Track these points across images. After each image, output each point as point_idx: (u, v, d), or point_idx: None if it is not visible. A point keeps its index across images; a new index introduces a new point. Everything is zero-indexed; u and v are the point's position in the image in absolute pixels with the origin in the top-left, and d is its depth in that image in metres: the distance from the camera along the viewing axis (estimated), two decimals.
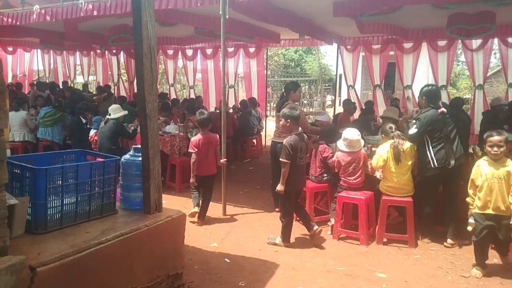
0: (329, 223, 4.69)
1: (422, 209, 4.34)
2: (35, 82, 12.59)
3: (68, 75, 13.61)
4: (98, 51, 12.40)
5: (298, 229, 4.73)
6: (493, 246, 3.82)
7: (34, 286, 2.03)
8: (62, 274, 2.19)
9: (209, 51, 11.29)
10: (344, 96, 12.03)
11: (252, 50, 10.87)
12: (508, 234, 3.54)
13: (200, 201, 4.93)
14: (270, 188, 5.56)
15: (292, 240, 4.34)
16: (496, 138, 3.46)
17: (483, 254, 3.63)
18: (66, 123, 7.44)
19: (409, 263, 3.91)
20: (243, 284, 3.42)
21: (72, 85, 12.90)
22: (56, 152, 3.32)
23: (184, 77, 13.64)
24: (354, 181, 4.49)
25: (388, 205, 4.35)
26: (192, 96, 11.47)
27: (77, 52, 13.00)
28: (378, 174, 4.52)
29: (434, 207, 4.34)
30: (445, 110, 4.24)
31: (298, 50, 27.45)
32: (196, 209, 4.88)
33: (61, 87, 11.47)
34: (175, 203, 5.52)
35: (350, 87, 10.44)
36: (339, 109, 9.29)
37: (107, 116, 6.08)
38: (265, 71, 11.30)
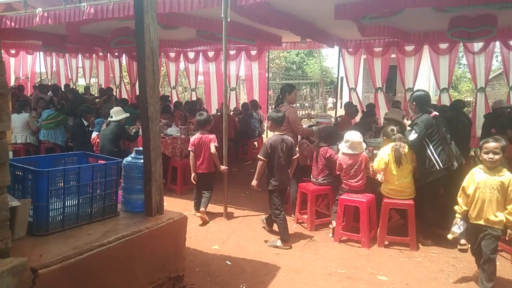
0: (330, 226, 4.68)
1: (423, 211, 4.33)
2: (37, 85, 12.65)
3: (70, 77, 13.67)
4: (100, 53, 12.46)
5: (298, 232, 4.73)
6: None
7: None
8: (64, 276, 2.20)
9: (211, 53, 11.33)
10: (345, 99, 12.06)
11: (253, 52, 10.90)
12: (493, 248, 3.24)
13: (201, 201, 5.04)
14: None
15: (291, 243, 4.35)
16: (492, 144, 3.22)
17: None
18: (68, 125, 7.47)
19: (411, 266, 3.90)
20: (244, 287, 3.41)
21: (74, 88, 12.95)
22: (58, 154, 3.34)
23: (186, 80, 13.69)
24: (355, 183, 4.48)
25: (389, 207, 4.34)
26: (194, 98, 11.50)
27: (79, 55, 13.07)
28: (379, 177, 4.52)
29: (435, 210, 4.33)
30: (437, 114, 4.27)
31: (300, 52, 27.49)
32: (202, 210, 5.00)
33: (63, 89, 11.51)
34: (176, 206, 5.53)
35: (352, 90, 10.45)
36: (341, 112, 9.30)
37: (109, 119, 6.10)
38: (267, 74, 11.34)
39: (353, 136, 4.48)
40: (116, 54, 12.27)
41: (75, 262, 2.25)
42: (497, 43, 8.65)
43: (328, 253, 4.15)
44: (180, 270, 3.11)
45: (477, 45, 8.60)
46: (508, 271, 3.81)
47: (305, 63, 28.21)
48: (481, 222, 3.28)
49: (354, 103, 9.04)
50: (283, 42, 9.49)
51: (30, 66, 13.55)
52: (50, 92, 11.00)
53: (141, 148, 3.07)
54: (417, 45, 9.04)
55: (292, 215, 5.09)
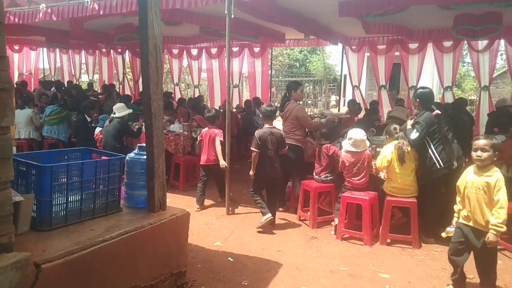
0: (332, 223, 4.68)
1: (426, 210, 4.32)
2: (42, 80, 12.67)
3: (73, 73, 13.69)
4: (104, 50, 12.47)
5: (300, 230, 4.74)
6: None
7: (38, 283, 2.04)
8: (67, 271, 2.21)
9: (214, 50, 11.31)
10: (348, 96, 12.04)
11: (257, 49, 10.87)
12: (487, 256, 3.08)
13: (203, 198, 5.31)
14: None
15: (293, 240, 4.37)
16: (481, 141, 3.02)
17: None
18: (71, 121, 7.49)
19: (413, 263, 3.89)
20: (246, 283, 3.42)
21: (78, 83, 12.97)
22: (61, 150, 3.35)
23: (189, 76, 13.67)
24: (358, 181, 4.48)
25: (392, 205, 4.34)
26: (197, 95, 11.50)
27: (83, 51, 13.08)
28: (382, 175, 4.51)
29: (437, 208, 4.32)
30: (439, 112, 4.24)
31: (303, 50, 27.45)
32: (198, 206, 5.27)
33: (66, 85, 11.53)
34: (179, 202, 5.54)
35: (355, 87, 10.43)
36: (344, 109, 9.28)
37: (112, 115, 6.11)
38: (270, 71, 11.31)
39: (356, 133, 4.47)
40: (119, 50, 12.29)
41: (78, 257, 2.26)
42: (502, 41, 8.59)
43: (330, 251, 4.16)
44: (182, 266, 3.11)
45: (482, 43, 8.54)
46: (511, 269, 3.79)
47: (308, 60, 28.16)
48: (471, 223, 3.11)
49: (358, 101, 9.03)
50: (287, 39, 9.46)
51: (34, 62, 13.55)
52: (53, 88, 11.03)
53: (144, 144, 3.08)
54: (421, 43, 8.99)
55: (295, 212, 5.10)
